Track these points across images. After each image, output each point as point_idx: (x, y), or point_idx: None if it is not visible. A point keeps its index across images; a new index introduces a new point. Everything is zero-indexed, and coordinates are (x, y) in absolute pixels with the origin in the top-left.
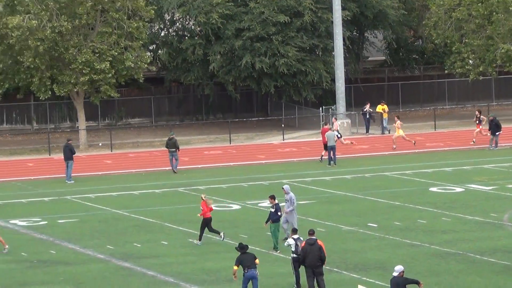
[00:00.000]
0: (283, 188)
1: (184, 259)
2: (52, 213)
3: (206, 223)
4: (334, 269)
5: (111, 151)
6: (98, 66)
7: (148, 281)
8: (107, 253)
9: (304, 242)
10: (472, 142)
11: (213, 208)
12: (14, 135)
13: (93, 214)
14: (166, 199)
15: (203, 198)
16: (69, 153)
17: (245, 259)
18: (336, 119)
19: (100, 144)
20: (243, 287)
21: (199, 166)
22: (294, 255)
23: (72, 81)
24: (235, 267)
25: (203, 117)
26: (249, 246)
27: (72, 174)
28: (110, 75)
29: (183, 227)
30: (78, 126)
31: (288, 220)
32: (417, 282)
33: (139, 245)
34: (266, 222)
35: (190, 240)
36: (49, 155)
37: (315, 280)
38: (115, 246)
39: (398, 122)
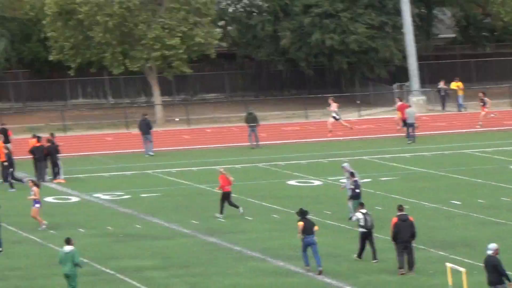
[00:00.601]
0: (343, 166)
1: (269, 234)
2: (135, 187)
3: (225, 197)
4: (421, 247)
5: (189, 126)
6: (168, 42)
7: (235, 256)
8: (191, 227)
9: (396, 218)
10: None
11: (233, 182)
12: (91, 110)
13: (175, 189)
14: (246, 174)
15: (222, 171)
16: (145, 128)
17: (304, 225)
18: (333, 99)
19: (177, 120)
20: (302, 253)
21: (278, 142)
22: (362, 230)
23: (144, 57)
24: (300, 223)
25: (278, 93)
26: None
27: (153, 148)
28: (181, 50)
29: (266, 202)
30: (153, 101)
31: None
32: (508, 278)
33: (223, 220)
34: (349, 199)
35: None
36: (127, 129)
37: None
38: (199, 221)
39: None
